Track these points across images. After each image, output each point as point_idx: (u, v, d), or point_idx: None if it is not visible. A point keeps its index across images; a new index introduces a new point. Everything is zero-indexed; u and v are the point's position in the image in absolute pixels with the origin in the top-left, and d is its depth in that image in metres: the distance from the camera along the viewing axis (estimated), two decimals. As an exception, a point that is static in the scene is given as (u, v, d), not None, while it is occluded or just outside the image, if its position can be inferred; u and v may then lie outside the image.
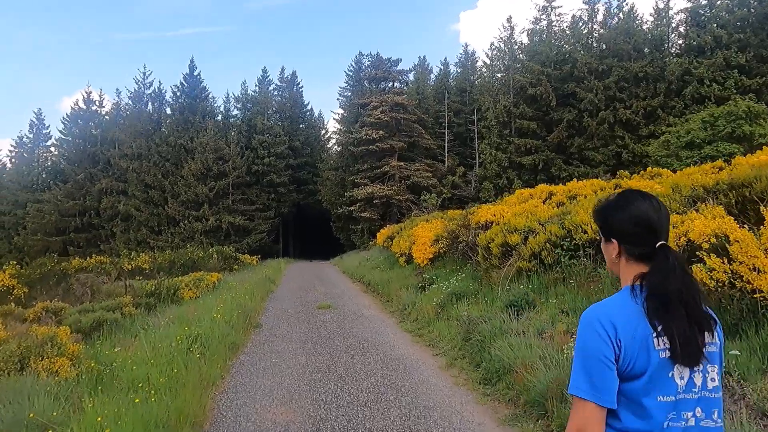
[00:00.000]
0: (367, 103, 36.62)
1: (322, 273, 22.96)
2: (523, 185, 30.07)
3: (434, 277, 11.08)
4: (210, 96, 45.47)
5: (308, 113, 53.84)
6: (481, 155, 35.79)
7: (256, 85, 48.55)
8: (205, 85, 44.54)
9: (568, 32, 36.78)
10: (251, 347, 7.44)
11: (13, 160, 49.04)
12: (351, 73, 44.97)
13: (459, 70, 45.57)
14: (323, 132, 57.73)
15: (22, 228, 42.98)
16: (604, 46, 33.57)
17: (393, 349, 7.28)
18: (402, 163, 35.58)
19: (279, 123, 46.64)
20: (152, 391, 4.77)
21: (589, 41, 34.75)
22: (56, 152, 47.76)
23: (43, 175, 47.33)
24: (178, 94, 43.53)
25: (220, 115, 46.02)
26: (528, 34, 37.14)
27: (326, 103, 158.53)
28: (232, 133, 42.86)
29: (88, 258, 19.76)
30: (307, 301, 12.80)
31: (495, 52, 38.18)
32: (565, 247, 7.68)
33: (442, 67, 47.81)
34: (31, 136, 48.37)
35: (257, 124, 42.84)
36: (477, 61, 45.80)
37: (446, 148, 39.28)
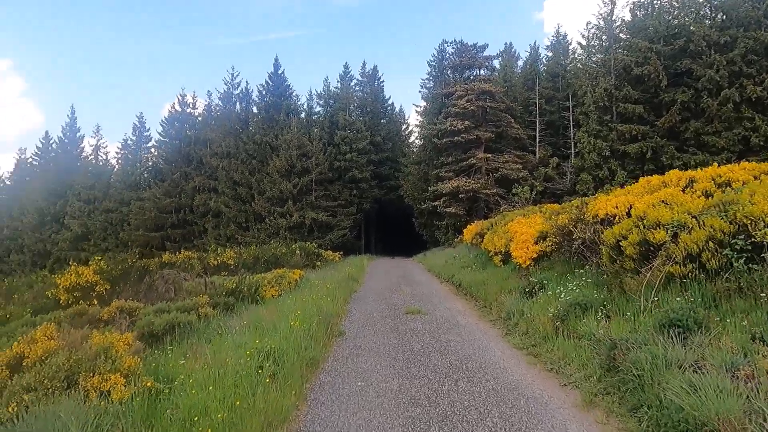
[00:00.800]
0: (452, 93, 34.89)
1: (406, 271, 21.77)
2: (627, 176, 26.95)
3: (543, 281, 9.39)
4: (294, 94, 46.09)
5: (389, 108, 53.08)
6: (577, 144, 32.78)
7: (338, 81, 48.51)
8: (289, 83, 45.18)
9: (677, 3, 32.59)
10: (333, 363, 6.30)
11: (119, 161, 52.90)
12: (434, 63, 43.38)
13: (550, 54, 42.36)
14: (404, 127, 56.76)
15: (126, 224, 46.04)
16: (725, 16, 29.25)
17: (505, 373, 5.81)
18: (489, 155, 33.49)
19: (360, 118, 46.23)
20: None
21: (706, 11, 30.48)
22: (156, 153, 50.82)
23: (145, 175, 50.65)
24: (264, 92, 44.44)
25: (303, 113, 46.50)
26: (631, 9, 33.40)
27: (407, 98, 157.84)
28: (315, 130, 42.99)
29: (176, 253, 20.03)
30: (394, 303, 11.59)
31: (593, 31, 34.80)
32: (738, 248, 5.76)
33: (530, 52, 44.80)
34: (134, 138, 51.82)
35: (339, 120, 42.62)
36: (570, 43, 42.34)
37: (537, 137, 36.53)
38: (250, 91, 46.39)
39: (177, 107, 48.29)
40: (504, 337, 7.79)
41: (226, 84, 46.88)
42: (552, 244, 10.52)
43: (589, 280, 8.05)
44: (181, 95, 47.91)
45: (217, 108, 47.77)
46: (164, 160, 48.23)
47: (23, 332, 6.96)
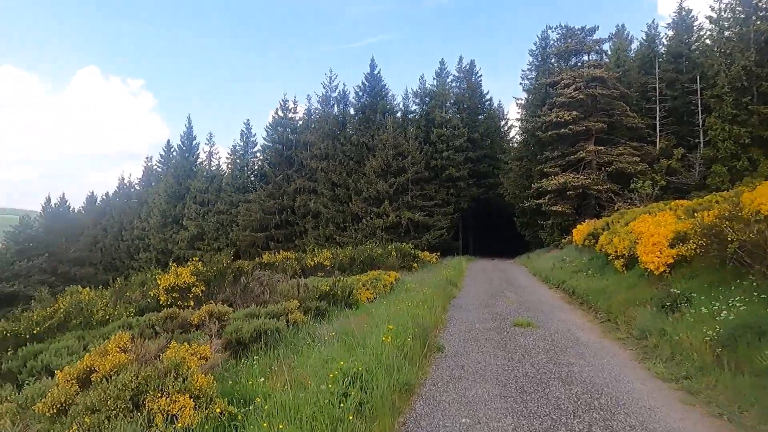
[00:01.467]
0: (557, 82, 32.32)
1: (509, 275, 20.21)
2: (774, 166, 22.98)
3: (687, 293, 7.69)
4: (389, 94, 45.84)
5: (487, 103, 51.01)
6: (708, 132, 28.69)
7: (434, 78, 47.53)
8: (385, 83, 44.97)
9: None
10: (430, 389, 5.35)
11: (229, 165, 56.38)
12: (536, 52, 40.78)
13: (670, 33, 37.73)
14: (503, 123, 54.28)
15: (235, 225, 48.83)
16: None
17: (654, 416, 4.47)
18: (601, 147, 30.49)
19: (457, 115, 44.86)
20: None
21: None
22: (261, 157, 53.46)
23: (252, 178, 53.52)
24: (360, 93, 44.72)
25: (399, 112, 46.14)
26: (775, -28, 28.51)
27: (506, 93, 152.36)
28: (411, 129, 42.36)
29: (277, 253, 20.31)
30: (498, 313, 10.36)
31: (725, 2, 30.26)
32: None
33: (647, 31, 40.28)
34: (242, 144, 54.93)
35: (435, 118, 41.62)
36: (695, 19, 37.39)
37: (657, 126, 32.64)
38: (347, 93, 47.01)
39: (279, 113, 50.34)
40: (641, 362, 6.33)
41: (324, 87, 47.97)
42: (696, 248, 8.66)
43: (762, 295, 6.28)
44: (282, 101, 49.85)
45: (316, 111, 49.03)
46: (268, 164, 50.50)
47: (120, 334, 6.85)
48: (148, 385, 4.03)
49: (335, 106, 47.47)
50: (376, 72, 44.64)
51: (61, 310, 7.17)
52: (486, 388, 5.33)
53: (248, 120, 57.63)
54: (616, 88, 31.54)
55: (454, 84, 47.97)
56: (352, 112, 46.18)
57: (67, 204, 67.99)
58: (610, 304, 9.54)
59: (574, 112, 30.22)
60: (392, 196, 36.29)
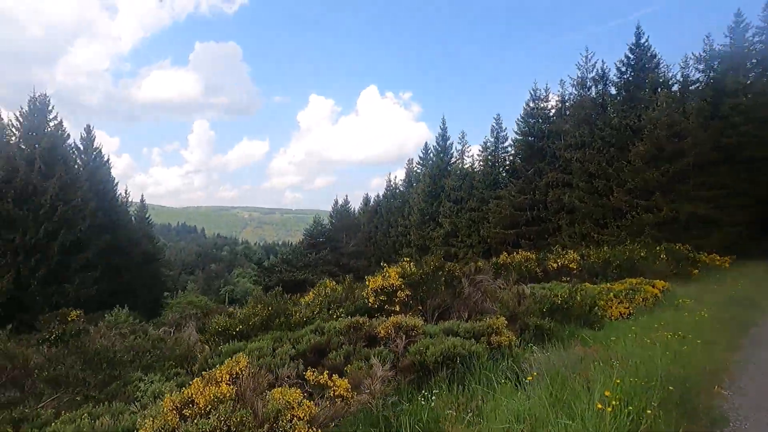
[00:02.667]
0: None
1: None
2: None
3: None
4: (661, 65, 38.34)
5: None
6: None
7: (725, 36, 37.62)
8: (655, 52, 37.80)
9: None
10: None
11: (480, 162, 56.49)
12: None
13: None
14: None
15: (486, 222, 48.49)
16: None
17: None
18: None
19: (763, 79, 34.41)
20: None
21: None
22: (512, 152, 51.93)
23: (503, 174, 52.49)
24: (623, 69, 38.67)
25: (675, 85, 38.13)
26: None
27: None
28: (692, 103, 34.41)
29: (514, 254, 18.56)
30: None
31: None
32: None
33: None
34: (492, 140, 54.31)
35: (727, 85, 32.77)
36: None
37: None
38: (606, 70, 41.33)
39: (530, 104, 47.78)
40: None
41: (579, 69, 43.25)
42: None
43: None
44: (533, 90, 47.15)
45: (570, 97, 44.81)
46: (519, 158, 48.62)
47: (309, 339, 6.48)
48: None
49: (592, 87, 42.35)
50: (642, 42, 37.92)
51: (264, 310, 7.28)
52: None
53: (498, 115, 56.43)
54: None
55: (756, 39, 37.04)
56: (613, 91, 40.40)
57: (349, 205, 79.38)
58: None
59: None
60: (665, 185, 29.94)
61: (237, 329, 6.93)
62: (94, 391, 5.45)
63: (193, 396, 3.40)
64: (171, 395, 3.45)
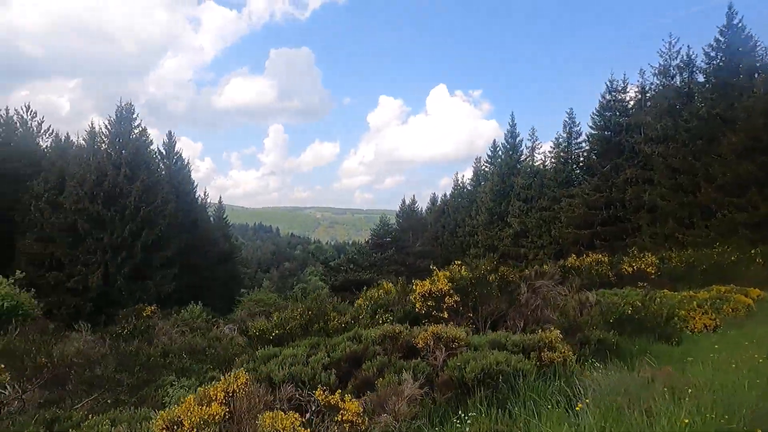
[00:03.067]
0: None
1: None
2: None
3: None
4: (759, 46, 34.54)
5: None
6: None
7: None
8: (750, 33, 34.10)
9: None
10: None
11: (551, 159, 54.00)
12: None
13: None
14: None
15: (558, 222, 46.25)
16: None
17: None
18: None
19: None
20: None
21: None
22: (586, 147, 49.22)
23: (576, 171, 49.88)
24: (712, 54, 35.24)
25: (776, 67, 34.20)
26: None
27: None
28: (796, 88, 30.64)
29: (584, 256, 17.29)
30: None
31: None
32: None
33: None
34: (565, 136, 51.71)
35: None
36: None
37: None
38: (692, 56, 37.93)
39: (606, 96, 44.97)
40: None
41: (661, 56, 40.00)
42: None
43: None
44: (609, 82, 44.33)
45: (652, 87, 41.62)
46: (595, 154, 46.00)
47: (344, 347, 6.17)
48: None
49: (676, 76, 39.07)
50: (735, 23, 34.33)
51: (301, 314, 7.04)
52: None
53: (571, 109, 53.41)
54: None
55: None
56: (700, 79, 37.01)
57: (416, 204, 79.07)
58: None
59: None
60: (762, 180, 26.86)
61: (273, 334, 6.76)
62: (125, 395, 5.51)
63: (181, 416, 3.15)
64: (165, 412, 3.23)
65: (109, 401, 5.40)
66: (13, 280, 22.96)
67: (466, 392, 5.04)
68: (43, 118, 42.99)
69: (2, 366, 4.91)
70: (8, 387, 6.29)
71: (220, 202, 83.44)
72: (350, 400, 4.30)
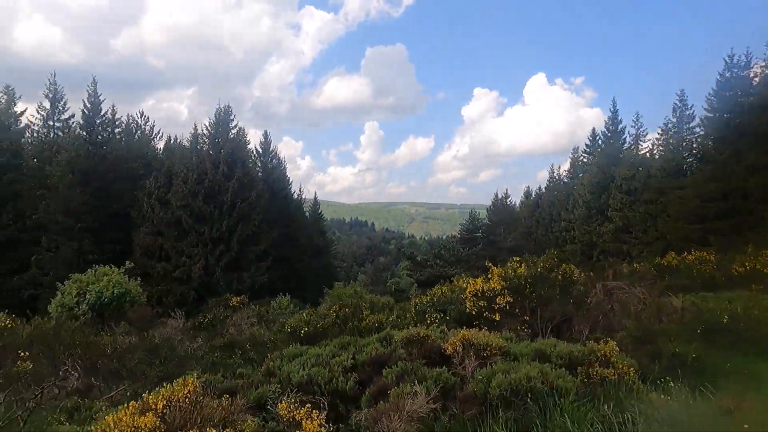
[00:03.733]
0: None
1: None
2: None
3: None
4: None
5: None
6: None
7: None
8: None
9: None
10: None
11: (659, 148, 49.10)
12: None
13: None
14: None
15: (665, 215, 42.02)
16: None
17: None
18: None
19: None
20: None
21: None
22: (700, 132, 44.14)
23: (689, 159, 44.94)
24: None
25: None
26: None
27: None
28: None
29: (686, 254, 15.26)
30: None
31: None
32: None
33: None
34: (674, 120, 46.72)
35: None
36: None
37: None
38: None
39: (726, 74, 39.77)
40: None
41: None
42: None
43: None
44: (729, 57, 39.14)
45: (782, 57, 36.04)
46: (711, 140, 40.99)
47: (371, 350, 5.78)
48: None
49: (816, 44, 33.42)
50: None
51: (336, 312, 6.71)
52: None
53: (682, 91, 47.92)
54: None
55: None
56: None
57: (509, 198, 76.35)
58: None
59: None
60: None
61: (303, 331, 6.53)
62: (145, 388, 5.57)
63: (113, 428, 2.93)
64: (99, 424, 3.04)
65: (128, 393, 5.54)
66: (123, 269, 25.38)
67: (490, 410, 4.39)
68: (153, 122, 47.46)
69: (27, 353, 5.24)
70: (73, 373, 6.63)
71: (315, 198, 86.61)
72: (360, 407, 3.88)
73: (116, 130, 42.99)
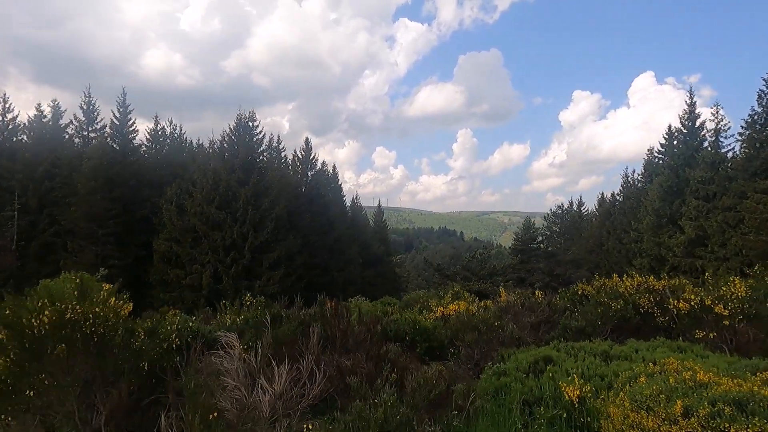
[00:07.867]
0: None
1: None
2: None
3: None
4: None
5: None
6: None
7: None
8: None
9: None
10: None
11: (743, 145, 41.11)
12: None
13: None
14: None
15: (744, 225, 34.76)
16: None
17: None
18: None
19: None
20: None
21: None
22: (794, 124, 36.11)
23: (779, 158, 36.94)
24: None
25: None
26: None
27: None
28: None
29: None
30: None
31: None
32: None
33: None
34: (760, 110, 38.80)
35: None
36: None
37: None
38: None
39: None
40: None
41: None
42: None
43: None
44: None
45: None
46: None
47: None
48: None
49: None
50: None
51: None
52: None
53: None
54: None
55: None
56: None
57: (572, 207, 69.50)
58: None
59: None
60: None
61: None
62: None
63: None
64: None
65: None
66: (98, 275, 24.72)
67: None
68: (184, 130, 48.28)
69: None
70: None
71: (378, 206, 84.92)
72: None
73: (152, 139, 44.24)
